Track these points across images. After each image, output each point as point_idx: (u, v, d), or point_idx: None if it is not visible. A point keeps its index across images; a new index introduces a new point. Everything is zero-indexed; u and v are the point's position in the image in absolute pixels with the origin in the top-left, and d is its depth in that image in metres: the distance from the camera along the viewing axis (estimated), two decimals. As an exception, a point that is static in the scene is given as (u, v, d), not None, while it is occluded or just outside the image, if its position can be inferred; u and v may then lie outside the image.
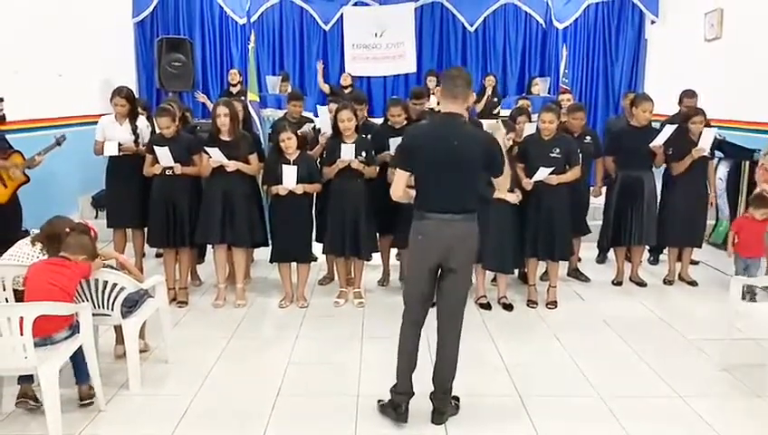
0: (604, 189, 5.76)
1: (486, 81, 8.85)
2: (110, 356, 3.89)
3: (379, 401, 3.34)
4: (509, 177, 3.35)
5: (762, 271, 5.09)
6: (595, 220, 5.86)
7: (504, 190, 3.44)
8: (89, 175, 6.33)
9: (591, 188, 5.79)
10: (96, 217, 6.76)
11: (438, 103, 4.85)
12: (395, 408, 3.22)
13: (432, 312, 3.24)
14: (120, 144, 5.14)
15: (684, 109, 5.81)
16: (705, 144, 5.13)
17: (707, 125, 5.26)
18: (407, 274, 3.34)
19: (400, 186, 3.17)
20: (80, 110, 6.97)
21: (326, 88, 9.14)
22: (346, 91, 8.56)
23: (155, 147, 4.75)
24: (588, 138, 5.44)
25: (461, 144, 3.03)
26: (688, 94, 5.92)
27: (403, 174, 3.16)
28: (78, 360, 3.30)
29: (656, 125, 5.50)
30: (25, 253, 3.49)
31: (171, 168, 4.75)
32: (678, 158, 5.27)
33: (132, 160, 5.12)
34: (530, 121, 5.30)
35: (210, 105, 7.17)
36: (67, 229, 3.43)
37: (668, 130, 5.14)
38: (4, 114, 5.15)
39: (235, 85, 8.11)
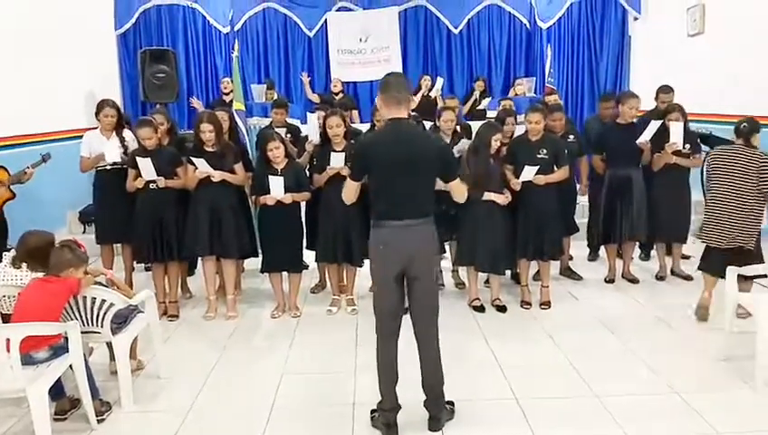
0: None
1: (476, 85, 8.90)
2: (103, 374, 3.82)
3: (372, 410, 3.30)
4: (464, 187, 3.28)
5: None
6: (583, 219, 5.87)
7: (460, 197, 3.30)
8: (76, 190, 6.27)
9: (578, 187, 5.79)
10: (84, 232, 6.70)
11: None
12: (386, 425, 3.16)
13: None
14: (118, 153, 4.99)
15: (660, 105, 5.83)
16: (676, 138, 5.12)
17: (686, 119, 5.26)
18: (372, 286, 3.26)
19: (350, 195, 3.20)
20: (65, 124, 6.92)
21: (315, 98, 8.82)
22: (337, 97, 8.48)
23: (137, 158, 4.66)
24: (571, 136, 5.44)
25: (415, 147, 3.01)
26: (664, 90, 5.91)
27: (353, 184, 3.16)
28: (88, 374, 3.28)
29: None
30: (10, 275, 3.41)
31: (155, 181, 4.68)
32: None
33: (121, 175, 5.00)
34: (516, 123, 5.29)
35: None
36: (49, 247, 3.35)
37: (654, 126, 5.14)
38: None
39: (227, 94, 8.03)
